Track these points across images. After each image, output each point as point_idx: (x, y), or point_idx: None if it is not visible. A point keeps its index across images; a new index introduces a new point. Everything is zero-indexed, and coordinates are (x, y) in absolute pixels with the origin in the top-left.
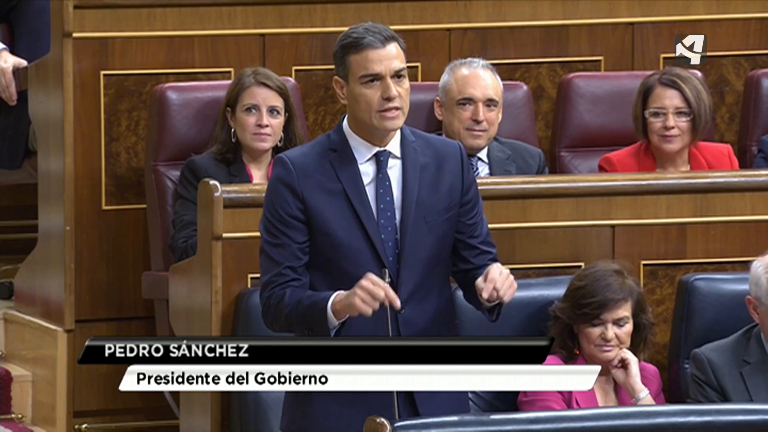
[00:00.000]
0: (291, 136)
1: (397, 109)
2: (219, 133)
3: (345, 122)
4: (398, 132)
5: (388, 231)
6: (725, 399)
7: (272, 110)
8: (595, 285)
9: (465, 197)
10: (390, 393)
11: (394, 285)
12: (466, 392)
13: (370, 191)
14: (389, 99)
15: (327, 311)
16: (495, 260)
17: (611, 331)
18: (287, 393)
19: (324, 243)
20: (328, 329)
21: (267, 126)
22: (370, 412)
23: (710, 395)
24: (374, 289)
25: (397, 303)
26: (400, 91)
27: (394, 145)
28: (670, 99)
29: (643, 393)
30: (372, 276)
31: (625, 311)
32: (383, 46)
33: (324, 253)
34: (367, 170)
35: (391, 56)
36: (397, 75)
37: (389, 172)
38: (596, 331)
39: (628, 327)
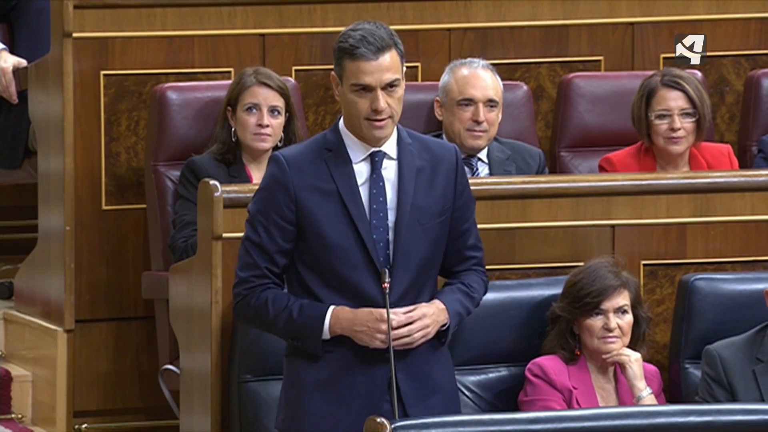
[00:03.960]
0: (291, 136)
1: (387, 118)
2: (219, 133)
3: (341, 122)
4: (394, 133)
5: (380, 231)
6: (733, 398)
7: (273, 110)
8: (593, 275)
9: (458, 202)
10: (384, 392)
11: (391, 287)
12: (457, 394)
13: (363, 191)
14: (377, 111)
15: (323, 329)
16: (479, 264)
17: (613, 321)
18: (282, 392)
19: (315, 243)
20: (320, 342)
21: (267, 126)
22: (363, 412)
23: (717, 394)
24: (380, 327)
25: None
26: (390, 101)
27: (390, 146)
28: (675, 100)
29: (646, 392)
30: (376, 312)
31: (624, 299)
32: (376, 59)
33: (315, 252)
34: (361, 170)
35: (382, 68)
36: (389, 85)
37: (384, 173)
38: (598, 322)
39: (629, 318)
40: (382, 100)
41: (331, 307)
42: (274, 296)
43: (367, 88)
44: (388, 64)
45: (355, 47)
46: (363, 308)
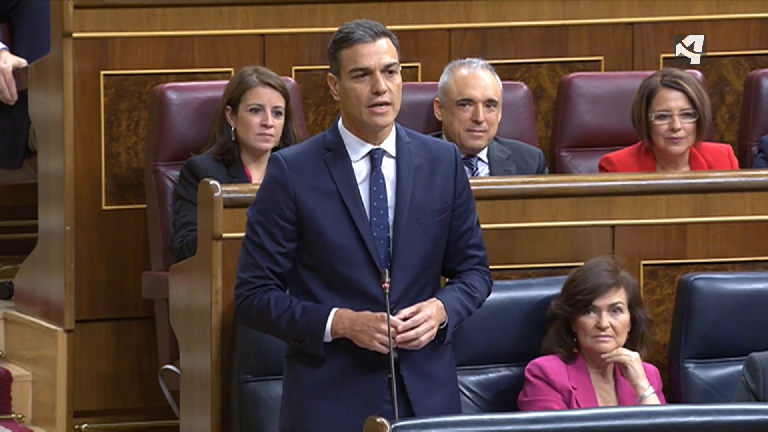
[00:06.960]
0: (288, 137)
1: (386, 104)
2: (218, 133)
3: (340, 121)
4: (393, 131)
5: (381, 229)
6: None
7: (275, 110)
8: (588, 273)
9: (457, 200)
10: (385, 392)
11: (392, 286)
12: (459, 391)
13: (363, 189)
14: (378, 93)
15: (325, 331)
16: (482, 264)
17: (606, 319)
18: (284, 392)
19: (316, 242)
20: (321, 344)
21: (271, 126)
22: (365, 412)
23: None
24: (380, 327)
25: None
26: (390, 86)
27: (389, 144)
28: (675, 101)
29: (649, 391)
30: (378, 314)
31: (618, 297)
32: (373, 41)
33: (316, 252)
34: (360, 168)
35: (381, 51)
36: (387, 70)
37: (383, 170)
38: (591, 320)
39: (623, 317)
40: (383, 81)
41: (334, 309)
42: (277, 297)
43: (367, 72)
44: (386, 48)
45: (351, 33)
46: (365, 311)
